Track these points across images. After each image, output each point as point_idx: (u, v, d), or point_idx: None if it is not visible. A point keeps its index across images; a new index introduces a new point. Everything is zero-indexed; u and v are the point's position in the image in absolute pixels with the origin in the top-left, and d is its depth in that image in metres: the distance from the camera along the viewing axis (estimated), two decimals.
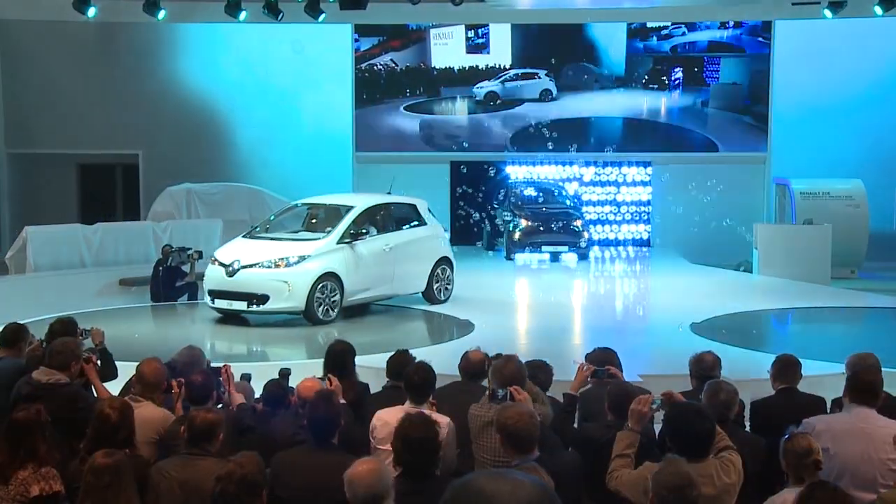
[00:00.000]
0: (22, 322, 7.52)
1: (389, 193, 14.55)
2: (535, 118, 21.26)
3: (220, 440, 4.95)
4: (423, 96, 21.13)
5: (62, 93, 20.29)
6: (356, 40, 20.92)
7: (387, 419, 5.53)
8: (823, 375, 8.54)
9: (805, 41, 20.06)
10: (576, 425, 6.26)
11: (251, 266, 12.55)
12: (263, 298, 12.35)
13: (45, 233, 15.64)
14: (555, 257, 19.54)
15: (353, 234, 13.07)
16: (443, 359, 7.52)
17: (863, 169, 19.20)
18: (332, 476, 4.87)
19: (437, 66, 21.11)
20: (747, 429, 6.33)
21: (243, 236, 13.65)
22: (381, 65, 20.94)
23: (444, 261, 14.33)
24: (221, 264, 12.76)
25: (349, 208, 13.48)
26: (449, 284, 14.41)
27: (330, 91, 20.79)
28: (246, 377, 7.11)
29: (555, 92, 21.30)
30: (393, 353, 6.79)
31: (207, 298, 12.93)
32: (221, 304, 12.69)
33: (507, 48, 21.11)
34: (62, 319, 7.51)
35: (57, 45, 20.33)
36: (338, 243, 12.90)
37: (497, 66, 21.13)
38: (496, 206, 20.58)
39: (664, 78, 20.95)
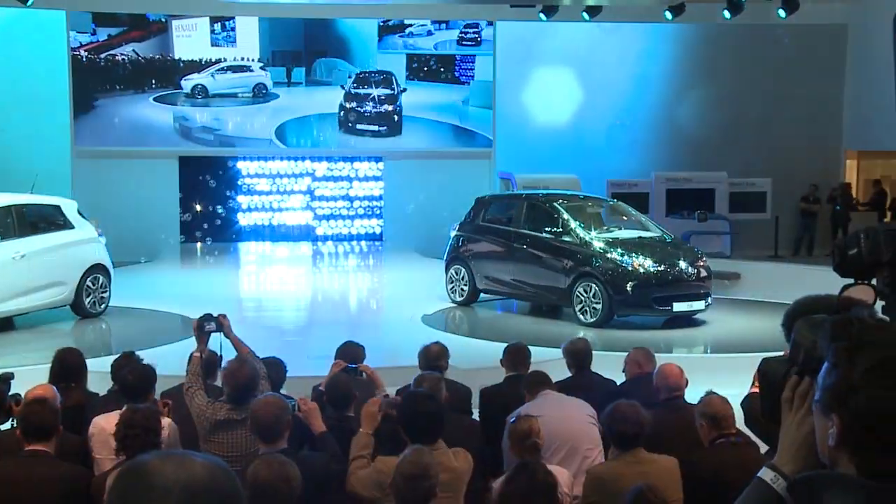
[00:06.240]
0: None
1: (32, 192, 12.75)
2: (295, 112, 20.74)
3: None
4: (171, 88, 20.15)
5: None
6: (93, 32, 19.67)
7: (104, 425, 5.29)
8: (548, 361, 8.93)
9: (525, 42, 20.91)
10: None
11: None
12: None
13: None
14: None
15: None
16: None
17: (576, 164, 20.27)
18: (41, 488, 4.56)
19: (182, 58, 20.20)
20: (475, 416, 6.52)
21: None
22: (123, 55, 19.80)
23: (98, 268, 12.81)
24: None
25: None
26: (104, 294, 12.94)
27: (43, 82, 19.42)
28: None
29: (270, 87, 20.63)
30: (118, 355, 6.48)
31: None
32: None
33: (255, 42, 20.55)
34: None
35: None
36: None
37: (245, 59, 20.50)
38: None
39: (422, 75, 21.06)
